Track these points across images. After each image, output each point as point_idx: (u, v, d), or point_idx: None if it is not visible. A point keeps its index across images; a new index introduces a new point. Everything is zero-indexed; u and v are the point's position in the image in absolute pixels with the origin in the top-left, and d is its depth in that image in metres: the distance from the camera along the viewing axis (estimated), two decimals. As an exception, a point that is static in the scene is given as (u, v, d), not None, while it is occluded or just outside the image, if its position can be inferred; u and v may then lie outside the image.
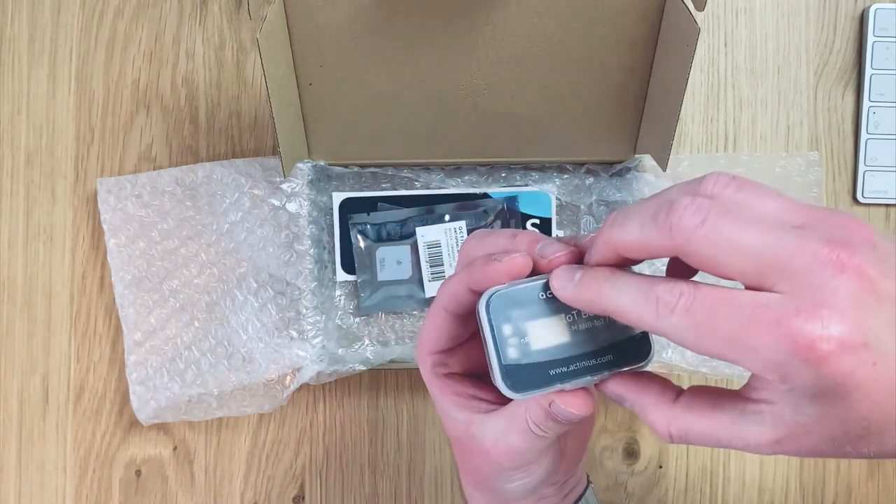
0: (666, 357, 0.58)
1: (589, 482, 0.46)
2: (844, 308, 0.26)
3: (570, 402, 0.35)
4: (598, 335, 0.35)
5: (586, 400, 0.35)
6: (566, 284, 0.33)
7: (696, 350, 0.29)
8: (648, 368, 0.36)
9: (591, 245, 0.33)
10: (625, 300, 0.31)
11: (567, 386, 0.34)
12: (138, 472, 0.62)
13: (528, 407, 0.36)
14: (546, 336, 0.34)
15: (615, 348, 0.35)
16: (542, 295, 0.35)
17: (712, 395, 0.33)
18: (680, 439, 0.33)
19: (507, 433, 0.37)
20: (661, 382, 0.34)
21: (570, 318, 0.35)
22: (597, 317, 0.34)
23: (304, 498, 0.62)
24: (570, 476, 0.43)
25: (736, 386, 0.64)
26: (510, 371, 0.34)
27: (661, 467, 0.62)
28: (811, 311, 0.26)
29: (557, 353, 0.34)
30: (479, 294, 0.35)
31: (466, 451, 0.40)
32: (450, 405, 0.39)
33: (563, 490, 0.43)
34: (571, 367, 0.34)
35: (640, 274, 0.32)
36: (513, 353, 0.34)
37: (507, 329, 0.34)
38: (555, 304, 0.34)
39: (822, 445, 0.29)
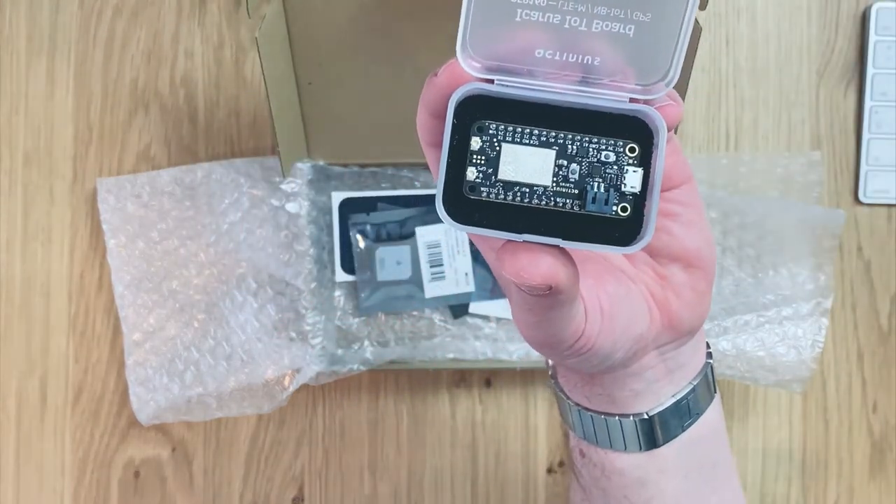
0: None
1: (708, 360, 0.36)
2: None
3: (517, 261, 0.26)
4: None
5: (541, 263, 0.26)
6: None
7: None
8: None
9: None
10: None
11: (524, 239, 0.26)
12: (137, 474, 0.62)
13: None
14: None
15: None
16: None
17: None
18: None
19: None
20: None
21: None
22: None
23: (303, 499, 0.62)
24: (678, 346, 0.34)
25: (738, 388, 0.62)
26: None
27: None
28: None
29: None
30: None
31: None
32: None
33: (667, 364, 0.34)
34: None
35: None
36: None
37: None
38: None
39: None
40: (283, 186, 0.60)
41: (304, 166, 0.59)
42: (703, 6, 0.46)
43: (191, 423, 0.62)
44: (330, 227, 0.61)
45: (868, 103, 0.61)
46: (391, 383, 0.62)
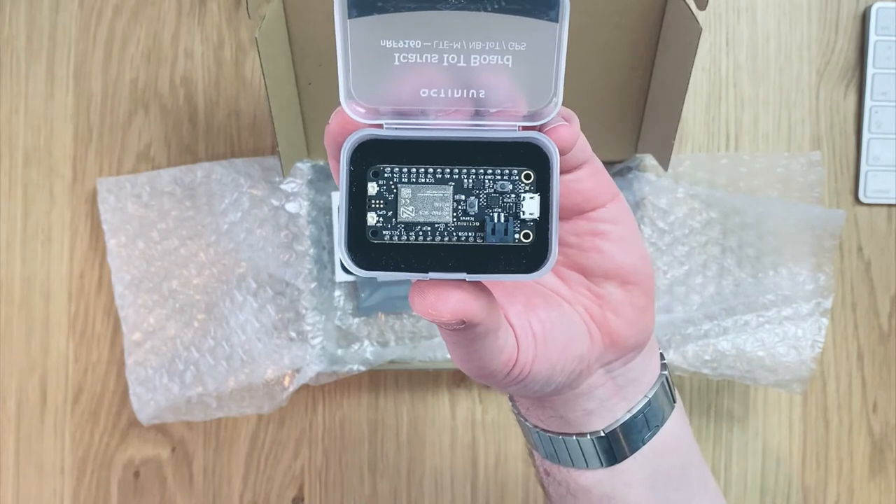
0: (666, 358, 0.58)
1: (663, 372, 0.37)
2: None
3: (425, 300, 0.27)
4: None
5: (448, 299, 0.26)
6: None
7: None
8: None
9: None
10: None
11: (430, 277, 0.27)
12: (136, 474, 0.62)
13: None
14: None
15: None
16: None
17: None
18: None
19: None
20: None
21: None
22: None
23: (303, 499, 0.62)
24: (626, 363, 0.34)
25: (738, 388, 0.62)
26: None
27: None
28: None
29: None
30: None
31: None
32: None
33: (616, 381, 0.34)
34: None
35: None
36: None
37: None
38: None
39: None
40: (283, 186, 0.60)
41: (304, 166, 0.59)
42: (703, 6, 0.46)
43: (191, 423, 0.62)
44: (330, 227, 0.61)
45: (868, 103, 0.61)
46: (391, 383, 0.62)
